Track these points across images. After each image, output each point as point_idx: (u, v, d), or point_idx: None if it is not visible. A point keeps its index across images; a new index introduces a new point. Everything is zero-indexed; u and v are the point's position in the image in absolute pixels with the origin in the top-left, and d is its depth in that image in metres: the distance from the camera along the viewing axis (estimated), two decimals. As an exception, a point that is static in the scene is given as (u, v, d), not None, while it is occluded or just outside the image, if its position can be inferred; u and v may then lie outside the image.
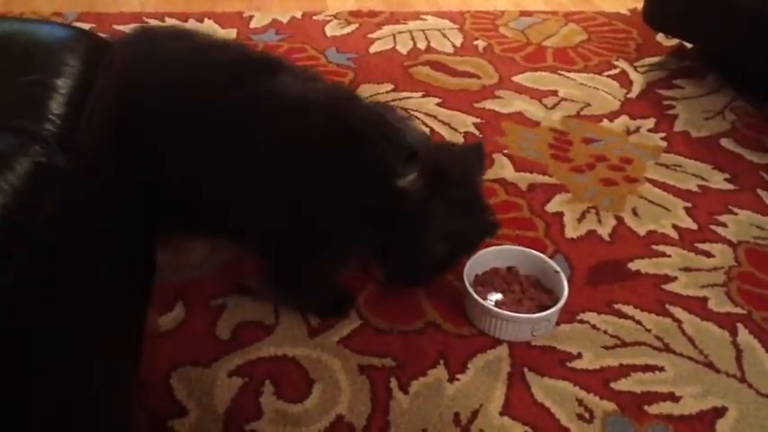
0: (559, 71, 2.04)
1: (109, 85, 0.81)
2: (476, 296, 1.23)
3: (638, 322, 1.29)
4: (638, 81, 2.01)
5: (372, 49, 2.10)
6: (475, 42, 2.17)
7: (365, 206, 1.10)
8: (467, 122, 1.78)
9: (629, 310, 1.31)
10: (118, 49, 1.13)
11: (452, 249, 1.21)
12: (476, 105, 1.86)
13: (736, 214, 1.54)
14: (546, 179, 1.61)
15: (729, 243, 1.46)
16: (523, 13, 2.36)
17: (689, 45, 2.15)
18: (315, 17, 2.27)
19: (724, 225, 1.51)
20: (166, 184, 1.12)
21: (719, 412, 1.14)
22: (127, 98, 1.04)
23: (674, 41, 2.18)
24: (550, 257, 1.35)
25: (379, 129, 1.11)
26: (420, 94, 1.89)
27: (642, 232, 1.49)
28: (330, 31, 2.20)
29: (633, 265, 1.40)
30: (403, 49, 2.12)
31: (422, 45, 2.14)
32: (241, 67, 1.14)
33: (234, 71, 1.12)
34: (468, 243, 1.24)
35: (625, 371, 1.20)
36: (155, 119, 1.10)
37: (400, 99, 1.86)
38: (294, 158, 1.10)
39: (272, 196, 1.12)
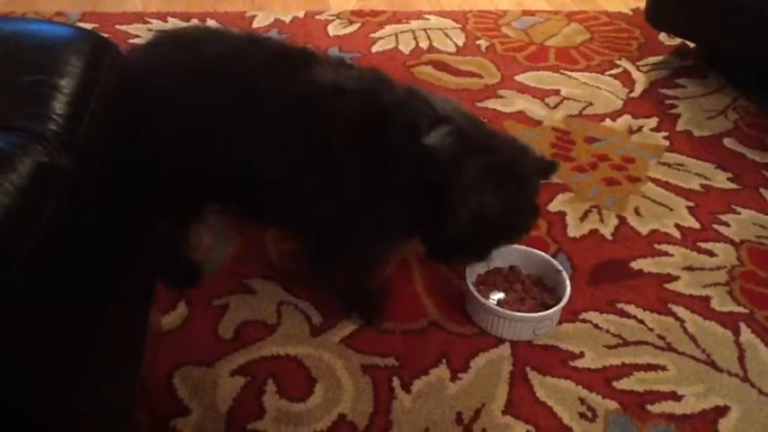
0: (562, 70, 2.04)
1: (112, 84, 0.81)
2: (478, 295, 1.23)
3: (641, 321, 1.29)
4: (640, 80, 2.00)
5: (375, 49, 2.10)
6: (477, 42, 2.17)
7: (400, 175, 1.09)
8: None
9: (631, 309, 1.31)
10: (149, 50, 1.18)
11: (484, 223, 1.10)
12: (478, 105, 1.86)
13: (738, 213, 1.54)
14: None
15: (732, 242, 1.46)
16: (526, 13, 2.36)
17: (691, 44, 2.15)
18: (317, 17, 2.27)
19: (726, 224, 1.51)
20: (203, 170, 1.15)
21: (722, 411, 1.14)
22: (168, 95, 1.10)
23: (677, 41, 2.18)
24: (553, 257, 1.35)
25: (410, 102, 1.11)
26: (422, 93, 1.89)
27: (644, 231, 1.48)
28: (332, 30, 2.20)
29: (635, 265, 1.40)
30: (405, 48, 2.12)
31: (424, 44, 2.14)
32: (276, 59, 1.15)
33: (269, 64, 1.14)
34: (505, 221, 1.12)
35: (627, 370, 1.20)
36: (195, 113, 1.12)
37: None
38: (329, 140, 1.10)
39: (313, 177, 1.12)
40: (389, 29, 2.22)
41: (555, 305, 1.23)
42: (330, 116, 1.10)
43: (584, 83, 1.98)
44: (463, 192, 1.07)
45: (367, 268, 1.28)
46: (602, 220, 1.51)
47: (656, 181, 1.63)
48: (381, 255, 1.28)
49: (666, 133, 1.79)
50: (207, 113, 1.12)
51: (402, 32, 2.20)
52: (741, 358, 1.23)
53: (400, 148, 1.08)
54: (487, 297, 1.27)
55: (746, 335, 1.27)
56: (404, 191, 1.10)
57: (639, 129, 1.80)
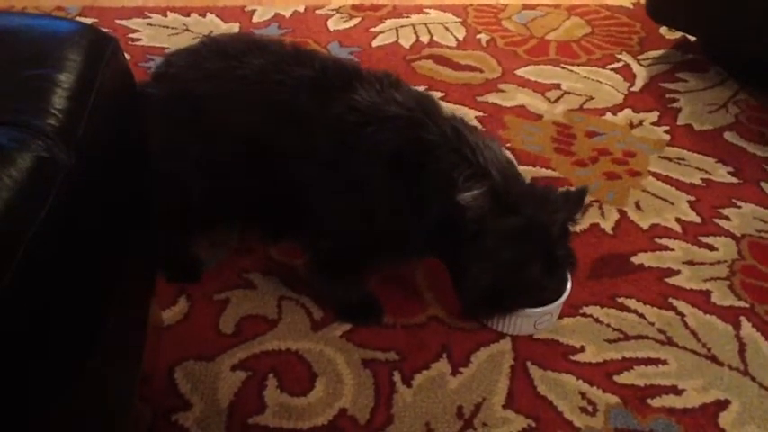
0: (562, 64, 2.03)
1: (112, 79, 0.81)
2: (478, 290, 1.23)
3: (641, 316, 1.29)
4: (641, 74, 2.00)
5: (375, 43, 2.10)
6: (478, 36, 2.17)
7: (429, 216, 1.09)
8: (469, 116, 1.78)
9: (632, 303, 1.31)
10: (191, 59, 1.18)
11: (505, 284, 1.13)
12: (478, 99, 1.85)
13: (739, 207, 1.54)
14: (549, 173, 1.61)
15: (733, 236, 1.46)
16: (526, 7, 2.36)
17: (692, 38, 2.14)
18: (317, 11, 2.26)
19: (727, 218, 1.51)
20: (231, 184, 1.17)
21: (722, 405, 1.14)
22: (205, 107, 1.12)
23: (678, 34, 2.17)
24: (553, 251, 1.35)
25: (453, 143, 1.08)
26: (423, 88, 1.89)
27: (645, 226, 1.48)
28: (333, 25, 2.19)
29: (636, 259, 1.40)
30: (406, 42, 2.11)
31: (425, 39, 2.14)
32: (318, 78, 1.13)
33: (310, 83, 1.12)
34: (527, 284, 1.14)
35: (628, 364, 1.20)
36: (231, 128, 1.13)
37: (403, 93, 1.86)
38: (365, 171, 1.09)
39: (343, 200, 1.12)
40: (390, 23, 2.21)
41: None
42: (365, 146, 1.08)
43: (585, 77, 1.98)
44: (480, 255, 1.09)
45: (367, 276, 1.29)
46: (602, 215, 1.51)
47: (656, 175, 1.62)
48: (389, 267, 1.31)
49: (667, 127, 1.79)
50: (243, 129, 1.13)
51: (402, 27, 2.19)
52: (742, 352, 1.23)
53: (433, 193, 1.08)
54: (488, 291, 1.27)
55: (747, 329, 1.27)
56: (430, 227, 1.10)
57: (640, 123, 1.80)
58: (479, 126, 1.18)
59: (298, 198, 1.14)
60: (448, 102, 1.83)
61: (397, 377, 1.17)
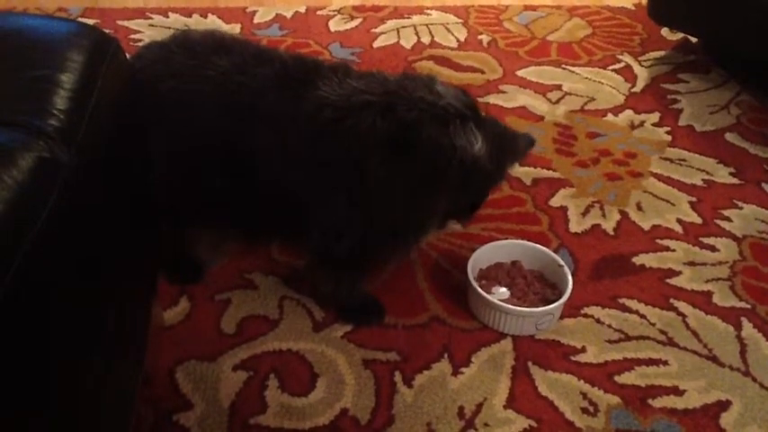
0: (564, 65, 2.03)
1: (113, 79, 0.81)
2: (480, 290, 1.23)
3: (643, 316, 1.29)
4: (642, 75, 2.00)
5: (376, 44, 2.10)
6: (479, 37, 2.17)
7: (441, 187, 1.11)
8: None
9: (633, 304, 1.31)
10: (160, 53, 1.16)
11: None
12: (480, 100, 1.83)
13: (740, 208, 1.54)
14: (550, 174, 1.61)
15: (734, 237, 1.46)
16: (528, 8, 2.36)
17: (694, 39, 2.14)
18: (318, 12, 2.26)
19: (729, 219, 1.51)
20: (205, 187, 1.15)
21: (723, 406, 1.14)
22: (171, 105, 1.10)
23: (679, 36, 2.17)
24: (555, 252, 1.35)
25: (427, 113, 1.08)
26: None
27: (646, 227, 1.48)
28: (334, 25, 2.19)
29: (637, 260, 1.40)
30: (407, 43, 2.11)
31: (426, 40, 2.14)
32: (279, 83, 1.12)
33: (274, 89, 1.11)
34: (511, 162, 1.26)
35: (629, 365, 1.20)
36: (198, 128, 1.12)
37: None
38: (357, 165, 1.08)
39: (342, 198, 1.12)
40: (391, 24, 2.21)
41: (557, 300, 1.23)
42: (350, 140, 1.08)
43: (586, 78, 1.98)
44: (484, 167, 1.13)
45: (369, 273, 1.29)
46: (603, 216, 1.51)
47: (657, 176, 1.63)
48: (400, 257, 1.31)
49: (668, 128, 1.79)
50: (209, 130, 1.12)
51: (403, 27, 2.20)
52: (743, 353, 1.23)
53: (438, 164, 1.08)
54: (489, 292, 1.27)
55: (748, 330, 1.27)
56: (443, 199, 1.12)
57: (641, 124, 1.80)
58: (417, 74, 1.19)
59: (286, 202, 1.13)
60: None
61: (398, 377, 1.17)
